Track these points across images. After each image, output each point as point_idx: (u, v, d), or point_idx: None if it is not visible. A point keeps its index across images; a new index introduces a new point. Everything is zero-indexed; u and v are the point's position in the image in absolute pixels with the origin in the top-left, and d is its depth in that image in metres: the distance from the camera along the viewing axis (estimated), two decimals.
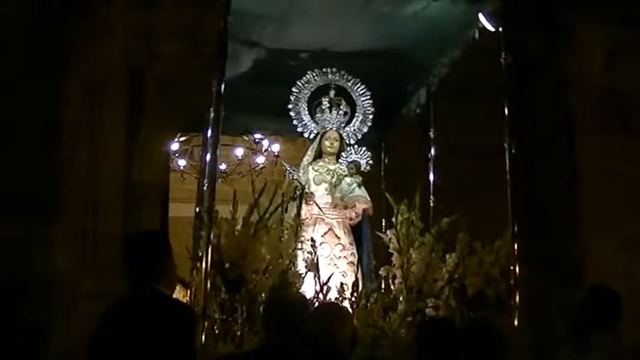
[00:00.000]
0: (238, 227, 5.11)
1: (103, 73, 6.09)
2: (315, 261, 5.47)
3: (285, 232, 5.38)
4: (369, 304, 5.38)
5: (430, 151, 6.83)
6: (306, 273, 5.38)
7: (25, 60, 5.81)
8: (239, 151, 8.56)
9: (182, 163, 8.54)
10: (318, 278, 5.35)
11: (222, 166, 8.64)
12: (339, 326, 3.50)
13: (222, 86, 5.22)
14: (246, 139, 8.40)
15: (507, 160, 5.40)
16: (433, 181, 6.75)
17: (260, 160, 8.47)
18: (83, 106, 6.01)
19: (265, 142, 8.27)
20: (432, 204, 6.61)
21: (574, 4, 6.14)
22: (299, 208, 5.59)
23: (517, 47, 6.83)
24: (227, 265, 5.01)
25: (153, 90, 6.29)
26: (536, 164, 6.61)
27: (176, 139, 7.79)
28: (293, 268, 5.38)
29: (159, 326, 2.98)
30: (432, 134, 6.83)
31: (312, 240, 5.58)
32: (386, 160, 7.55)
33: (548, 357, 4.75)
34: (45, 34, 5.92)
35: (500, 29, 5.65)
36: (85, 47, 6.03)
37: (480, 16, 5.75)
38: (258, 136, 8.07)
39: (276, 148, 8.12)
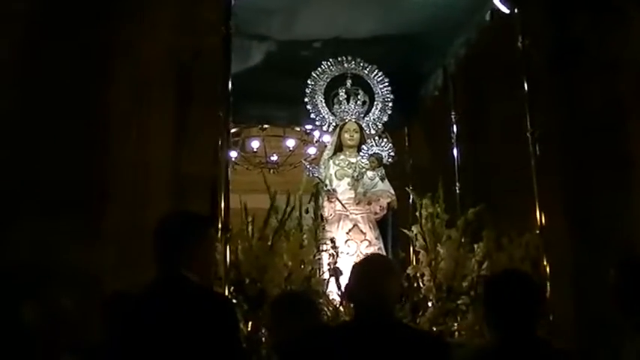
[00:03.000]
0: (254, 242, 4.96)
1: (149, 69, 6.16)
2: (337, 264, 5.31)
3: (305, 237, 5.24)
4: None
5: (452, 135, 6.57)
6: (329, 277, 5.25)
7: (74, 58, 5.91)
8: (290, 142, 8.51)
9: (233, 154, 8.57)
10: (339, 284, 5.19)
11: (274, 157, 8.63)
12: (386, 281, 2.97)
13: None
14: (297, 129, 8.31)
15: (530, 148, 5.12)
16: (457, 167, 6.50)
17: (311, 151, 8.38)
18: (131, 101, 6.11)
19: (316, 133, 8.14)
20: (457, 191, 6.37)
21: None
22: (316, 208, 5.39)
23: (562, 29, 6.70)
24: (247, 282, 4.89)
25: (200, 83, 6.34)
26: (584, 149, 6.47)
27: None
28: (318, 274, 5.28)
29: (194, 319, 2.78)
30: (453, 116, 6.58)
31: (333, 241, 5.41)
32: (407, 147, 7.26)
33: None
34: (91, 31, 6.00)
35: (516, 11, 5.35)
36: (130, 43, 6.10)
37: None
38: (309, 127, 7.88)
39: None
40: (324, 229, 5.71)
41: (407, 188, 6.09)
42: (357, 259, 5.71)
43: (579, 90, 6.76)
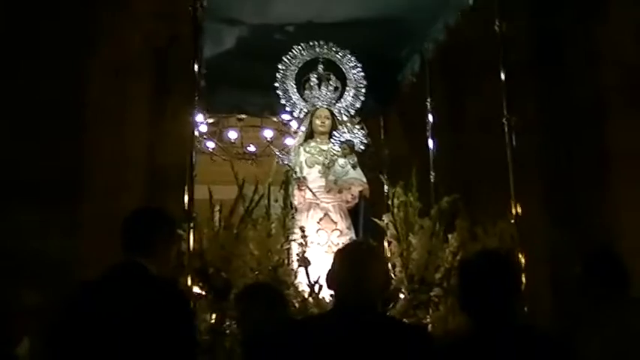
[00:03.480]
0: (220, 231, 4.78)
1: (125, 55, 6.06)
2: (306, 254, 5.13)
3: (273, 225, 5.06)
4: None
5: (428, 122, 6.39)
6: (298, 268, 5.07)
7: (49, 43, 5.82)
8: (267, 133, 8.37)
9: (211, 145, 8.46)
10: (308, 274, 5.01)
11: (252, 148, 8.50)
12: (370, 268, 2.78)
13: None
14: (275, 120, 8.15)
15: (506, 137, 4.95)
16: (433, 155, 6.33)
17: (289, 142, 8.20)
18: (108, 89, 6.00)
19: (294, 124, 7.98)
20: (432, 180, 6.21)
21: None
22: (285, 197, 5.20)
23: (545, 17, 6.61)
24: (211, 272, 4.71)
25: (176, 70, 6.20)
26: (566, 140, 6.39)
27: (204, 121, 7.72)
28: (287, 263, 5.10)
29: (139, 306, 2.79)
30: (428, 104, 6.40)
31: (302, 230, 5.23)
32: (382, 136, 7.09)
33: None
34: (68, 16, 5.88)
35: None
36: (107, 29, 5.99)
37: None
38: (286, 117, 7.70)
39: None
40: (293, 217, 5.55)
41: (380, 176, 5.88)
42: (328, 249, 5.61)
43: (562, 82, 6.68)
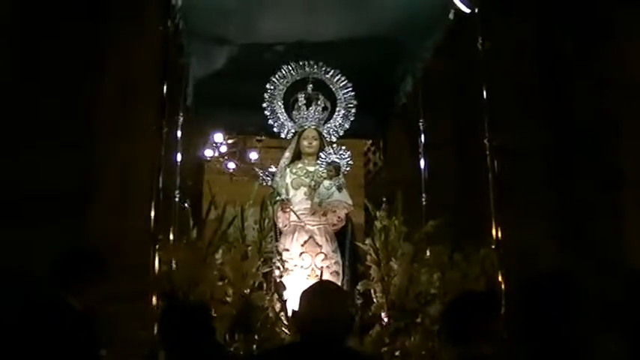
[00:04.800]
0: (188, 254, 4.67)
1: (136, 74, 6.01)
2: (282, 278, 5.00)
3: (249, 248, 4.93)
4: None
5: (420, 143, 6.23)
6: (272, 294, 4.93)
7: (60, 60, 5.82)
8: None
9: (231, 165, 8.49)
10: (282, 300, 4.87)
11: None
12: (334, 310, 2.71)
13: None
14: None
15: (488, 160, 4.77)
16: (425, 177, 6.15)
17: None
18: (117, 105, 5.98)
19: None
20: (424, 202, 6.03)
21: (613, 3, 5.92)
22: (261, 219, 5.05)
23: (552, 44, 6.52)
24: (180, 295, 4.58)
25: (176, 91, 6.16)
26: (573, 164, 6.27)
27: (224, 142, 7.75)
28: (264, 288, 4.97)
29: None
30: (421, 125, 6.23)
31: (279, 253, 5.09)
32: (380, 157, 6.96)
33: None
34: (76, 33, 5.90)
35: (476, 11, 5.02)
36: (118, 48, 5.96)
37: None
38: None
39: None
40: (277, 240, 5.45)
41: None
42: (311, 273, 5.46)
43: (569, 103, 6.55)
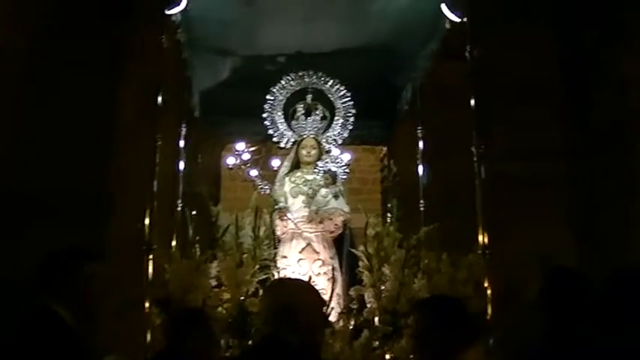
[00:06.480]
0: (182, 260, 4.82)
1: (158, 79, 6.12)
2: None
3: (245, 256, 5.07)
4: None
5: (418, 150, 6.30)
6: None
7: (82, 65, 5.86)
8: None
9: (254, 173, 8.56)
10: None
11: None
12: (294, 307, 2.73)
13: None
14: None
15: (475, 167, 4.84)
16: (422, 184, 6.23)
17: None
18: (139, 111, 6.07)
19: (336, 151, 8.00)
20: (422, 209, 6.11)
21: (632, 2, 5.81)
22: (256, 227, 5.18)
23: (572, 45, 6.50)
24: (173, 302, 4.72)
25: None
26: (590, 168, 6.22)
27: (245, 149, 7.90)
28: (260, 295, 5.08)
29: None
30: (419, 132, 6.31)
31: (274, 261, 5.22)
32: (386, 162, 7.05)
33: None
34: (100, 38, 5.93)
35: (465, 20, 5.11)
36: (141, 53, 6.06)
37: (443, 6, 5.24)
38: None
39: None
40: (275, 247, 5.58)
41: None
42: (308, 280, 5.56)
43: (587, 106, 6.51)
